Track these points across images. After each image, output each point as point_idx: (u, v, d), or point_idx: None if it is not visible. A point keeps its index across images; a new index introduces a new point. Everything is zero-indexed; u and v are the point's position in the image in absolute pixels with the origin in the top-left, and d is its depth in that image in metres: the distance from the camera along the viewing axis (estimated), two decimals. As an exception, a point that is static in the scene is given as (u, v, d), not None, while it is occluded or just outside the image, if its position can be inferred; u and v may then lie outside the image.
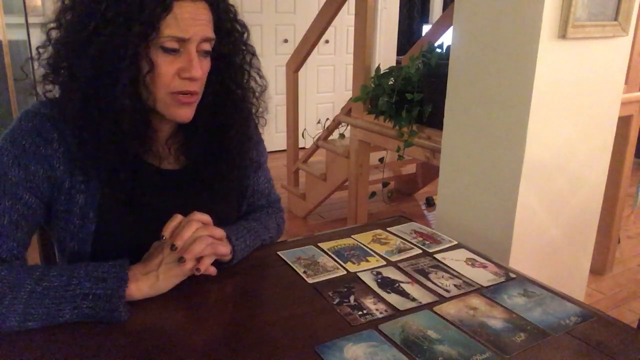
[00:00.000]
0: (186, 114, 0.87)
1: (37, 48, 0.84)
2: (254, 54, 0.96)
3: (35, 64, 0.84)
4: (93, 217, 0.86)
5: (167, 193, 0.93)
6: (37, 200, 0.83)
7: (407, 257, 0.99)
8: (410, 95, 2.11)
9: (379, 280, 0.90)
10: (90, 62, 0.78)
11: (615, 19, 1.39)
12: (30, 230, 0.84)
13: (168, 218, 0.85)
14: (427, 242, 1.06)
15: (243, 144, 0.98)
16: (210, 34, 0.84)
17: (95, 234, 0.87)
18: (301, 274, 0.91)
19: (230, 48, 0.90)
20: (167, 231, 0.82)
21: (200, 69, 0.84)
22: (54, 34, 0.83)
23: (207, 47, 0.85)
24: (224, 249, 0.88)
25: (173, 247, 0.79)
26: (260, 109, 1.01)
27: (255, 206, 1.11)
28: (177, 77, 0.83)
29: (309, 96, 4.69)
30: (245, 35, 0.94)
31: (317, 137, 3.10)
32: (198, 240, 0.81)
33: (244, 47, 0.94)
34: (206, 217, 0.86)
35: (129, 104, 0.80)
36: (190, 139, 0.94)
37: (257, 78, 0.98)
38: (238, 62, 0.93)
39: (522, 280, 0.92)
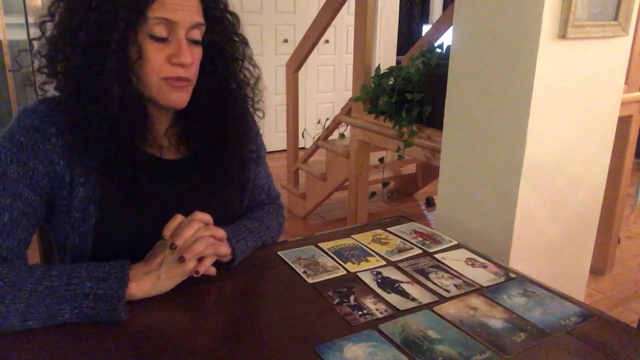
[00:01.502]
0: (180, 98, 0.87)
1: (32, 39, 0.85)
2: (246, 44, 0.97)
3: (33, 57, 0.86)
4: (93, 210, 0.86)
5: (168, 183, 0.93)
6: (37, 197, 0.83)
7: (407, 257, 0.99)
8: (410, 95, 2.11)
9: (379, 280, 0.90)
10: (79, 50, 0.80)
11: (615, 19, 1.39)
12: (31, 227, 0.84)
13: (170, 209, 0.85)
14: (427, 242, 1.06)
15: (242, 133, 0.98)
16: (199, 19, 0.85)
17: (97, 227, 0.87)
18: (301, 274, 0.91)
19: (222, 37, 0.91)
20: (167, 232, 0.82)
21: (191, 56, 0.84)
22: (48, 26, 0.84)
23: (196, 35, 0.86)
24: (225, 250, 0.88)
25: (172, 246, 0.79)
26: (256, 99, 1.02)
27: (257, 201, 1.11)
28: (168, 63, 0.84)
29: (309, 96, 4.68)
30: (236, 24, 0.95)
31: (317, 137, 3.10)
32: (199, 240, 0.81)
33: (235, 37, 0.95)
34: (207, 217, 0.86)
35: (117, 90, 0.81)
36: (189, 128, 0.95)
37: (251, 68, 0.99)
38: (230, 51, 0.94)
39: (522, 280, 0.92)
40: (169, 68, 0.84)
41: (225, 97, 0.95)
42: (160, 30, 0.81)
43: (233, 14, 0.95)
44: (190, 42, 0.85)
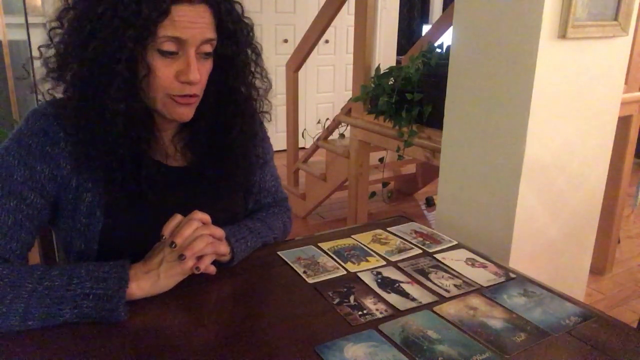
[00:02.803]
0: (186, 113, 0.87)
1: (39, 47, 0.85)
2: (258, 54, 0.96)
3: (37, 63, 0.85)
4: (100, 215, 0.86)
5: (173, 190, 0.93)
6: (42, 200, 0.83)
7: (407, 257, 0.99)
8: (410, 95, 2.11)
9: (379, 280, 0.90)
10: (87, 63, 0.79)
11: (615, 19, 1.39)
12: (35, 230, 0.84)
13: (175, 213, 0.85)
14: (427, 242, 1.06)
15: (248, 142, 0.98)
16: (210, 34, 0.84)
17: (102, 232, 0.87)
18: (301, 274, 0.91)
19: (234, 49, 0.90)
20: (166, 230, 0.82)
21: (199, 72, 0.83)
22: (56, 33, 0.83)
23: (207, 48, 0.85)
24: (224, 249, 0.88)
25: (172, 245, 0.80)
26: (265, 108, 1.01)
27: (262, 204, 1.11)
28: (176, 80, 0.83)
29: (309, 96, 4.69)
30: (250, 33, 0.93)
31: (317, 137, 3.10)
32: (199, 238, 0.82)
33: (248, 47, 0.93)
34: (206, 217, 0.86)
35: (123, 108, 0.80)
36: (195, 136, 0.94)
37: (262, 78, 0.98)
38: (242, 62, 0.92)
39: (522, 280, 0.92)
40: (177, 85, 0.83)
41: (232, 107, 0.93)
42: (169, 46, 0.80)
43: (247, 23, 0.92)
44: (201, 56, 0.84)
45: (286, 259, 0.97)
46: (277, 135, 4.34)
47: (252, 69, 0.95)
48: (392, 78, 2.30)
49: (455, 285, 0.89)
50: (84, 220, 0.86)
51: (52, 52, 0.83)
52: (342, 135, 3.02)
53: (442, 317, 0.79)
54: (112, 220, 0.87)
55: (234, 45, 0.89)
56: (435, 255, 1.01)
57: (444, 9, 5.27)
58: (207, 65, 0.87)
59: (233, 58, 0.90)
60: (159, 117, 0.90)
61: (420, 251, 1.02)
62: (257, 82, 0.98)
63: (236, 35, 0.89)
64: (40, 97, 0.87)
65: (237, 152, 0.96)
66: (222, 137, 0.94)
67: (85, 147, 0.82)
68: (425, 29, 5.01)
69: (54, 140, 0.83)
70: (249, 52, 0.94)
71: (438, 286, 0.89)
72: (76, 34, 0.80)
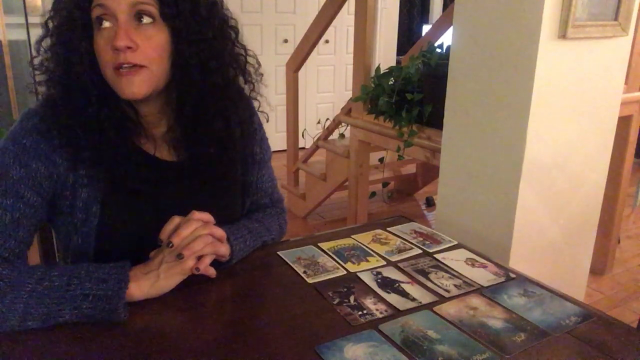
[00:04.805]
0: (129, 87, 0.82)
1: (32, 58, 0.88)
2: (231, 27, 0.90)
3: (36, 62, 0.87)
4: (96, 211, 0.86)
5: (170, 185, 0.93)
6: (39, 198, 0.83)
7: (407, 257, 0.99)
8: (410, 95, 2.11)
9: (379, 280, 0.90)
10: (53, 51, 0.83)
11: (615, 19, 1.39)
12: (33, 228, 0.84)
13: (170, 210, 0.85)
14: (427, 242, 1.06)
15: (244, 138, 0.96)
16: None
17: (99, 228, 0.87)
18: (301, 274, 0.91)
19: (181, 21, 0.82)
20: (164, 234, 0.82)
21: (139, 39, 0.80)
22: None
23: (146, 12, 0.80)
24: (224, 249, 0.88)
25: (169, 245, 0.79)
26: (254, 93, 0.98)
27: (259, 204, 1.10)
28: (111, 50, 0.80)
29: (309, 96, 4.68)
30: (213, 9, 0.87)
31: (317, 137, 3.10)
32: (198, 238, 0.81)
33: (212, 22, 0.86)
34: (207, 216, 0.86)
35: (90, 85, 0.82)
36: (187, 131, 0.91)
37: (241, 57, 0.93)
38: (196, 34, 0.84)
39: (522, 280, 0.92)
40: (112, 55, 0.80)
41: (213, 90, 0.88)
42: (99, 17, 0.80)
43: None
44: (140, 22, 0.80)
45: (286, 259, 0.97)
46: (277, 135, 4.34)
47: (229, 49, 0.90)
48: (392, 78, 2.30)
49: (455, 285, 0.89)
50: (80, 216, 0.86)
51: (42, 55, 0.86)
52: (342, 135, 3.02)
53: (442, 317, 0.79)
54: (109, 216, 0.87)
55: (181, 15, 0.82)
56: (435, 255, 1.01)
57: (444, 9, 5.26)
58: (157, 37, 0.81)
59: (193, 31, 0.83)
60: (144, 106, 0.89)
61: (420, 251, 1.02)
62: (236, 65, 0.92)
63: (184, 3, 0.82)
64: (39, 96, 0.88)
65: (228, 145, 0.93)
66: (212, 129, 0.90)
67: (75, 138, 0.83)
68: (425, 29, 5.01)
69: (49, 138, 0.83)
70: (215, 25, 0.87)
71: (438, 286, 0.89)
72: (44, 27, 0.84)
